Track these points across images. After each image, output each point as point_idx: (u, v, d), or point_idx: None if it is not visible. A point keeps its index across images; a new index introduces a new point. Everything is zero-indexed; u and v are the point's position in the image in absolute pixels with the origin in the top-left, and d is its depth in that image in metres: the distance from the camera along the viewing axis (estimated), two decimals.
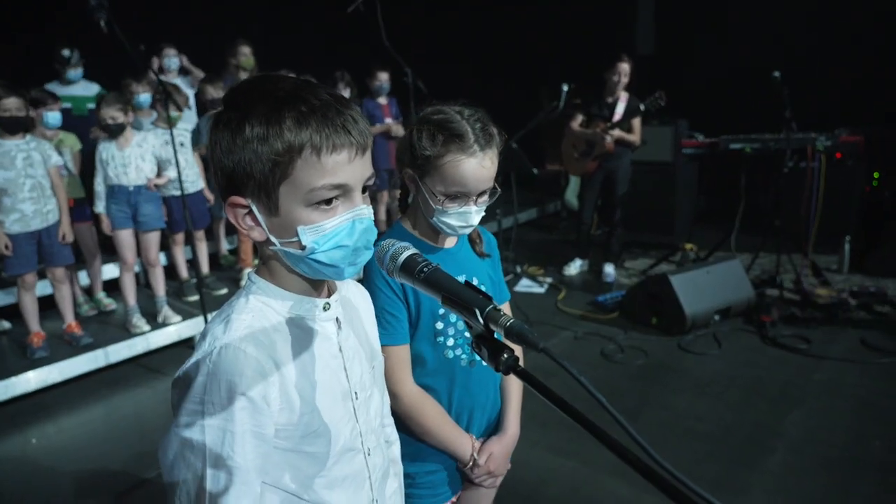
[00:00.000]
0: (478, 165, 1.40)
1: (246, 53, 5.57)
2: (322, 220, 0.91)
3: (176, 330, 4.37)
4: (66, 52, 4.74)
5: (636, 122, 5.19)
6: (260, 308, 0.97)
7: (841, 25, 6.44)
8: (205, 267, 4.95)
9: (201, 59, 5.78)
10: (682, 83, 6.62)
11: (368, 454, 1.10)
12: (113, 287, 4.74)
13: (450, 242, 1.57)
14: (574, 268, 5.67)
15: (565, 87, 5.44)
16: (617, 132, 5.09)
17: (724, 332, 4.26)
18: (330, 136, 0.88)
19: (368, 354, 1.14)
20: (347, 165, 0.90)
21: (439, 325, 1.50)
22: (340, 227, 0.92)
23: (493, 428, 1.66)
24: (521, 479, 2.73)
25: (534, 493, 2.75)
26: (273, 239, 0.93)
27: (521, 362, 0.84)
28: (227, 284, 5.01)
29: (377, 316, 1.48)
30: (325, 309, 1.03)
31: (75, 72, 4.84)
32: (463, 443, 1.54)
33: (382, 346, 1.49)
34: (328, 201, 0.91)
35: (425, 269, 0.89)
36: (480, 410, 1.60)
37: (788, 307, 4.45)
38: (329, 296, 1.05)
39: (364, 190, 0.95)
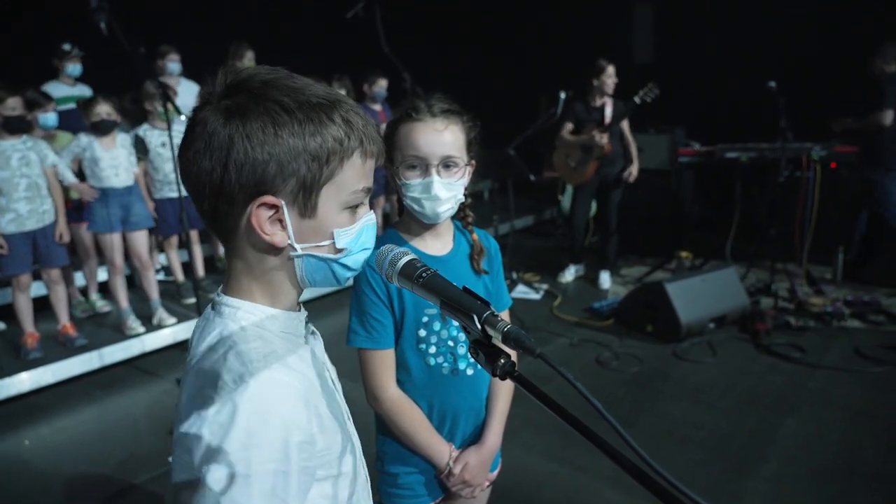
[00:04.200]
0: (428, 128, 1.44)
1: (249, 57, 5.63)
2: (351, 224, 0.90)
3: (171, 332, 4.36)
4: (66, 46, 4.74)
5: (625, 126, 5.21)
6: (258, 332, 0.87)
7: (837, 36, 6.48)
8: (200, 270, 4.94)
9: (198, 61, 5.79)
10: (680, 92, 6.65)
11: (366, 479, 1.07)
12: (108, 288, 4.72)
13: (443, 248, 1.57)
14: (569, 274, 5.68)
15: (563, 95, 5.46)
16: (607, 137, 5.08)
17: (719, 340, 4.27)
18: (374, 140, 0.89)
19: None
20: (372, 171, 0.92)
21: (422, 333, 1.50)
22: (363, 230, 0.92)
23: (478, 437, 1.64)
24: (516, 485, 2.73)
25: (528, 499, 2.75)
26: (296, 245, 0.87)
27: (516, 368, 0.85)
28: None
29: (362, 320, 1.49)
30: (306, 323, 0.98)
31: (74, 66, 4.83)
32: (440, 450, 1.53)
33: (367, 349, 1.50)
34: (357, 205, 0.91)
35: (424, 275, 0.90)
36: (465, 419, 1.59)
37: (783, 316, 4.46)
38: (299, 310, 0.98)
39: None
